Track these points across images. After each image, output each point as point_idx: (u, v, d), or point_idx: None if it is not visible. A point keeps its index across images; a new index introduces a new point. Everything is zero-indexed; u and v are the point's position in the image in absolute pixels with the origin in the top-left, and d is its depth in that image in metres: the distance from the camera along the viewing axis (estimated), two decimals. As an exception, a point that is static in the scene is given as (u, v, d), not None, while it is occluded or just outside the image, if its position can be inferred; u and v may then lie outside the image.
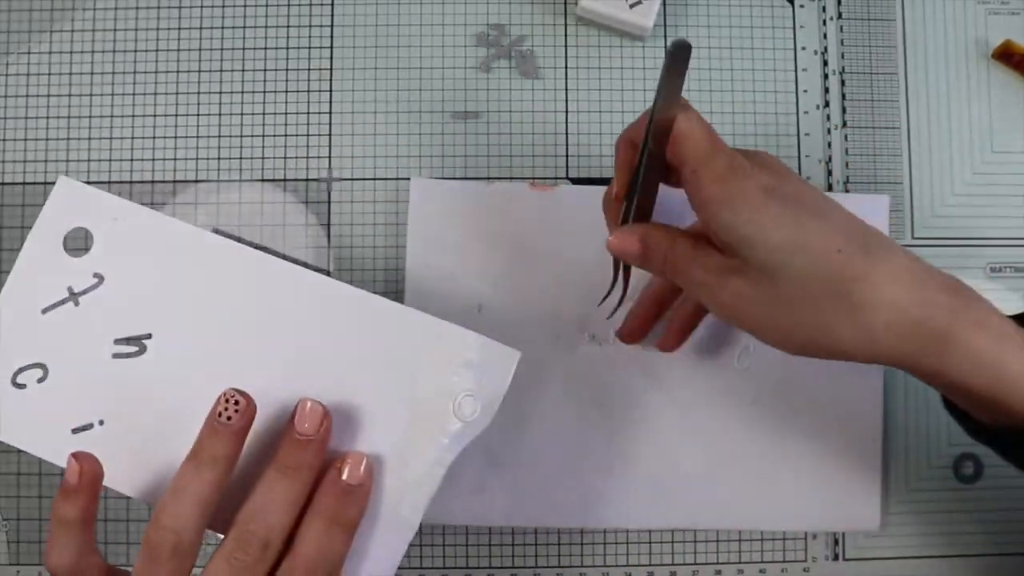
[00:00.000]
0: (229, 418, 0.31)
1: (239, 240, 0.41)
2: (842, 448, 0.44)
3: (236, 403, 0.32)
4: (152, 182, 0.46)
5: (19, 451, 0.34)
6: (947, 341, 0.30)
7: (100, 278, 0.36)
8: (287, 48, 0.47)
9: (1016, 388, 0.30)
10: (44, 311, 0.35)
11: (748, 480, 0.44)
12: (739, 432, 0.44)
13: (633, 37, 0.47)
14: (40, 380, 0.35)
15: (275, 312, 0.35)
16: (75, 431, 0.35)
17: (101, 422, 0.35)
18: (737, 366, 0.44)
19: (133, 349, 0.35)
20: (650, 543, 0.45)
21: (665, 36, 0.47)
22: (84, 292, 0.36)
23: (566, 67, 0.47)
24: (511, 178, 0.46)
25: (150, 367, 0.35)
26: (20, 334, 0.35)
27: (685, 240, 0.34)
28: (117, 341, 0.35)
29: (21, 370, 0.35)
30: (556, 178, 0.46)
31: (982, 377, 0.30)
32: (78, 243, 0.36)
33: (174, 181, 0.46)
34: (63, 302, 0.36)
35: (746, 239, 0.31)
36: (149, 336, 0.35)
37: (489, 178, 0.46)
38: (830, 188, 0.46)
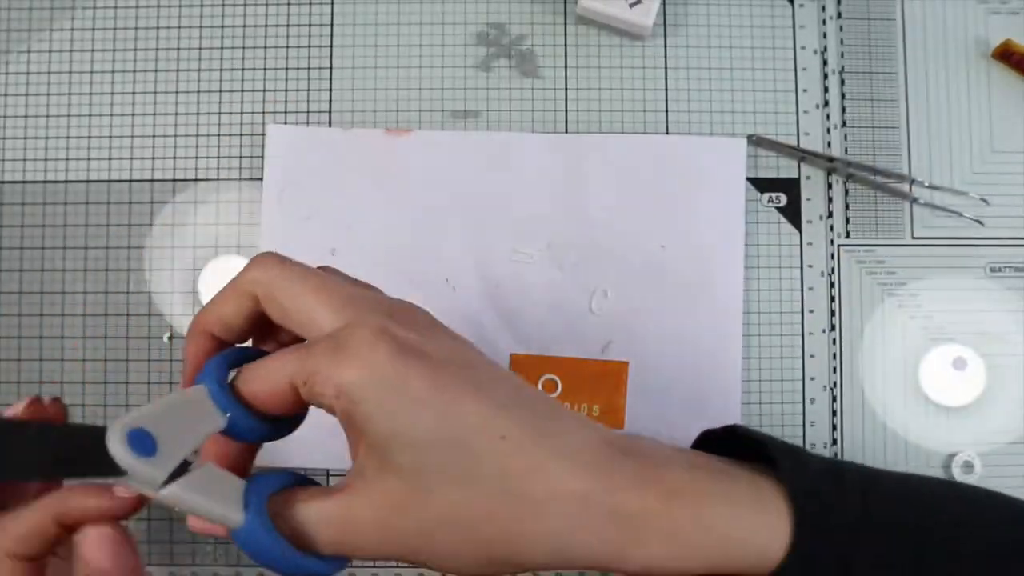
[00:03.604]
0: None
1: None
2: (701, 394, 0.44)
3: None
4: (152, 181, 0.46)
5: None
6: (651, 522, 0.25)
7: None
8: (287, 47, 0.47)
9: (746, 545, 0.26)
10: None
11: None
12: None
13: (633, 36, 0.47)
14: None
15: None
16: None
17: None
18: (593, 311, 0.45)
19: None
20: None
21: (665, 35, 0.47)
22: None
23: (566, 66, 0.47)
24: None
25: None
26: None
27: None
28: None
29: None
30: (556, 177, 0.46)
31: (701, 549, 0.26)
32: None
33: (174, 180, 0.46)
34: None
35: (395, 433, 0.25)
36: None
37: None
38: (829, 188, 0.46)
